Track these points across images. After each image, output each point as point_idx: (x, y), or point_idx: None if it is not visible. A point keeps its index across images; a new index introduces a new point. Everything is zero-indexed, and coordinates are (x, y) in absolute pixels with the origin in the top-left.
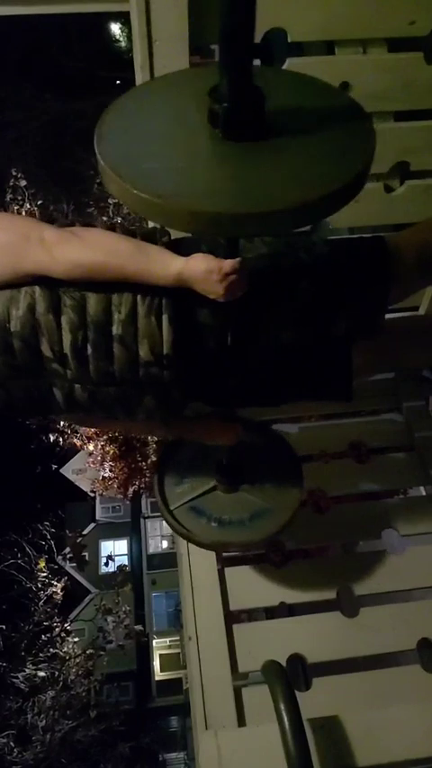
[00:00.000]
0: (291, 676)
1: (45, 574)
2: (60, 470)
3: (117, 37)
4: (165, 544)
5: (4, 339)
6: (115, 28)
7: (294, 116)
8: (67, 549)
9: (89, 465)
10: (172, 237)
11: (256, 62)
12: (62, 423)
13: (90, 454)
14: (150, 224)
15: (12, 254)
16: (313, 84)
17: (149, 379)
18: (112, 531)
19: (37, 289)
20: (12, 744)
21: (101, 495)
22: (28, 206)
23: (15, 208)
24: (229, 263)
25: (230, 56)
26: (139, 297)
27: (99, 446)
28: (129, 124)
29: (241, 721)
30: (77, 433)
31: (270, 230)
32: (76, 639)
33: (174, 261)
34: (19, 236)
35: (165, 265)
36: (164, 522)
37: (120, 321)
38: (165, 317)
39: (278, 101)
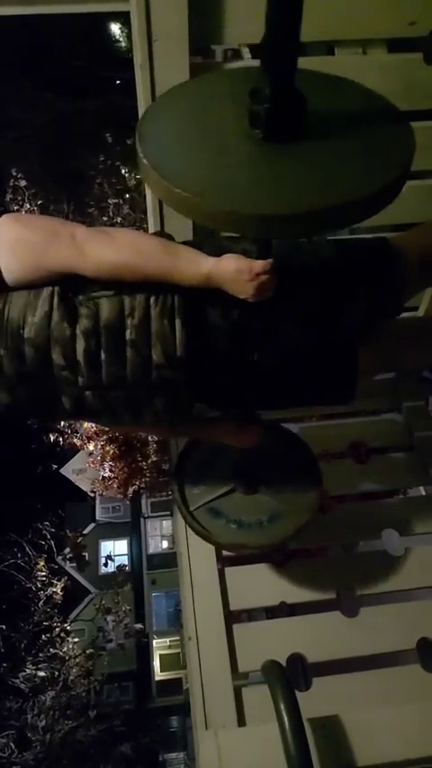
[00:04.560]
0: (291, 676)
1: (45, 574)
2: (60, 470)
3: (117, 37)
4: (165, 544)
5: (16, 344)
6: (115, 28)
7: (333, 118)
8: (67, 549)
9: (89, 465)
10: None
11: (255, 63)
12: (62, 423)
13: (90, 454)
14: (151, 227)
15: (37, 250)
16: (351, 86)
17: (161, 382)
18: (112, 531)
19: (55, 298)
20: (12, 744)
21: (101, 495)
22: (28, 206)
23: (15, 208)
24: (260, 264)
25: (275, 58)
26: (152, 300)
27: (99, 446)
28: (167, 126)
29: (241, 721)
30: (77, 433)
31: (306, 232)
32: (76, 639)
33: (204, 261)
34: (46, 232)
35: (195, 265)
36: (164, 521)
37: (133, 325)
38: (177, 320)
39: (316, 103)
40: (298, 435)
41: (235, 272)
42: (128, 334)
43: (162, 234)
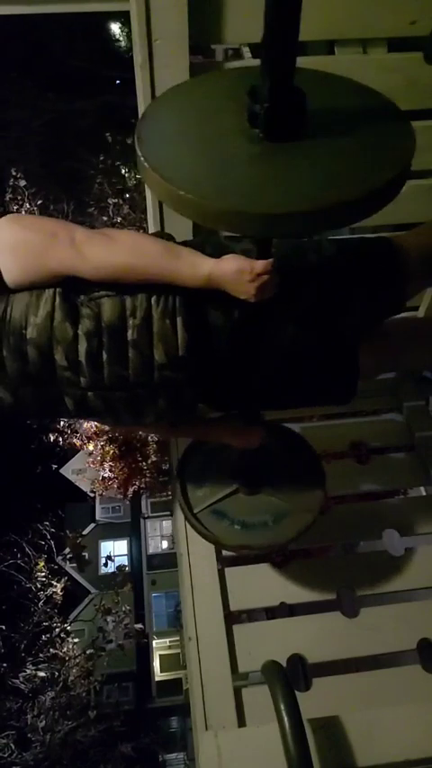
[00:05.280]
0: (291, 676)
1: (45, 574)
2: (60, 470)
3: (117, 37)
4: (165, 544)
5: (18, 346)
6: (115, 28)
7: (333, 116)
8: (67, 550)
9: (89, 465)
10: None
11: (256, 62)
12: (62, 423)
13: (90, 454)
14: (151, 227)
15: (37, 252)
16: (351, 84)
17: (163, 382)
18: (112, 532)
19: (58, 298)
20: (12, 744)
21: (101, 495)
22: (28, 206)
23: (15, 208)
24: (261, 264)
25: (274, 56)
26: (153, 300)
27: (99, 446)
28: (166, 127)
29: (241, 721)
30: (77, 432)
31: (308, 231)
32: (75, 640)
33: (204, 262)
34: (46, 234)
35: (195, 266)
36: (164, 522)
37: (135, 326)
38: (179, 320)
39: (316, 101)
40: (300, 435)
41: (236, 272)
42: (129, 335)
43: (162, 234)
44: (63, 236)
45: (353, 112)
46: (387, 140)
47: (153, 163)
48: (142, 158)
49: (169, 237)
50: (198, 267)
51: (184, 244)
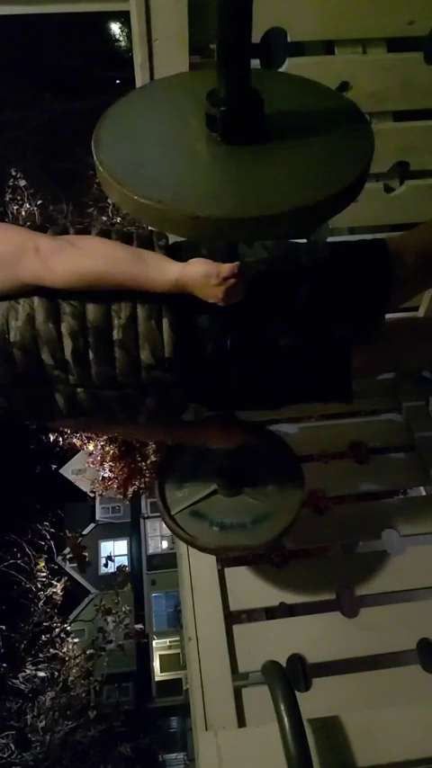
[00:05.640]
0: (291, 676)
1: (45, 574)
2: (60, 470)
3: (117, 37)
4: (165, 544)
5: (4, 349)
6: (115, 28)
7: (293, 119)
8: (67, 550)
9: (89, 465)
10: (170, 242)
11: (256, 62)
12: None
13: (90, 454)
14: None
15: (7, 264)
16: (311, 86)
17: (151, 382)
18: (112, 532)
19: (35, 299)
20: (12, 744)
21: (101, 495)
22: (27, 206)
23: (15, 208)
24: (227, 267)
25: (227, 59)
26: (138, 300)
27: (99, 446)
28: (126, 129)
29: (241, 721)
30: (77, 433)
31: (271, 234)
32: (75, 640)
33: (171, 267)
34: (14, 246)
35: (162, 272)
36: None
37: (120, 326)
38: (165, 321)
39: (276, 103)
40: (279, 435)
41: (203, 276)
42: (115, 334)
43: (159, 235)
44: (29, 248)
45: (312, 114)
46: (347, 141)
47: (109, 167)
48: (99, 164)
49: (164, 239)
50: (165, 272)
51: (180, 245)
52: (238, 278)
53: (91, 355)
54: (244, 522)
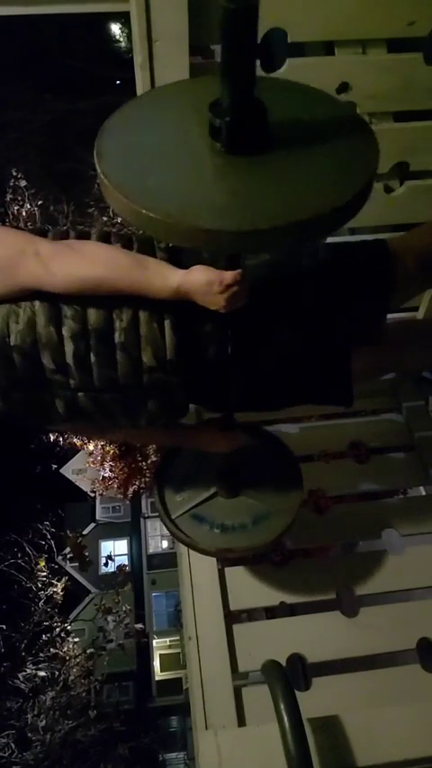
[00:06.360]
0: (291, 676)
1: (45, 574)
2: (60, 470)
3: (117, 37)
4: (165, 544)
5: (4, 353)
6: (115, 28)
7: (296, 128)
8: (68, 549)
9: (89, 465)
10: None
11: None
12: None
13: (90, 454)
14: None
15: (8, 268)
16: (313, 93)
17: (153, 384)
18: (112, 531)
19: (36, 302)
20: (12, 744)
21: (101, 495)
22: (28, 206)
23: (15, 208)
24: (230, 275)
25: (232, 69)
26: (140, 303)
27: (99, 446)
28: (128, 139)
29: (241, 721)
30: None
31: (278, 246)
32: (76, 639)
33: (173, 274)
34: (14, 250)
35: (164, 279)
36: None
37: (122, 329)
38: (167, 323)
39: (279, 112)
40: (277, 436)
41: (205, 284)
42: (117, 337)
43: (145, 238)
44: (29, 252)
45: (316, 123)
46: (352, 150)
47: (114, 180)
48: (103, 176)
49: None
50: (167, 279)
51: (182, 250)
52: (241, 285)
53: (92, 358)
54: (245, 524)
